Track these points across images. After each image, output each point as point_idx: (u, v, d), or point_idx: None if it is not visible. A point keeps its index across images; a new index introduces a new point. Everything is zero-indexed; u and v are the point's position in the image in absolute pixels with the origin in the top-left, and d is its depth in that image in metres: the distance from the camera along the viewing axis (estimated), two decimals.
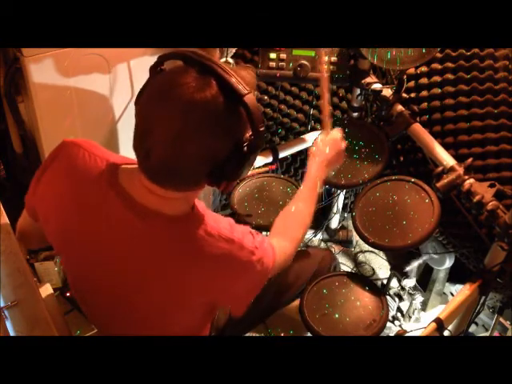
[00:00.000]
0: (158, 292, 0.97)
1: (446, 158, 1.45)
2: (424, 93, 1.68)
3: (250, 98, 0.83)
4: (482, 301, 1.41)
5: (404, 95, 1.64)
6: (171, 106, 0.82)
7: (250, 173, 1.76)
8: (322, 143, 1.34)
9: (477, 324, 1.87)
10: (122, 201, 0.92)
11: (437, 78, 1.65)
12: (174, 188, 0.89)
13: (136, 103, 0.90)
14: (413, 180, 1.48)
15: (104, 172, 0.94)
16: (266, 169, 1.79)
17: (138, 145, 0.87)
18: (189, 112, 0.81)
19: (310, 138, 1.87)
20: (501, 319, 1.70)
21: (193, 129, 0.82)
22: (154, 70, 0.90)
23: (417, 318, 1.95)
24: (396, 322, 1.95)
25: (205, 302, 1.02)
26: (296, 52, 1.67)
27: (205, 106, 0.81)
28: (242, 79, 0.84)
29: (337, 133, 1.38)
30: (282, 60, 1.68)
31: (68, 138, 1.01)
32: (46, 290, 1.25)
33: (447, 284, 1.99)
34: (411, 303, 1.93)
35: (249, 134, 0.87)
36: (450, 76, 1.63)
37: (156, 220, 0.91)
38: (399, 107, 1.60)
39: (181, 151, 0.83)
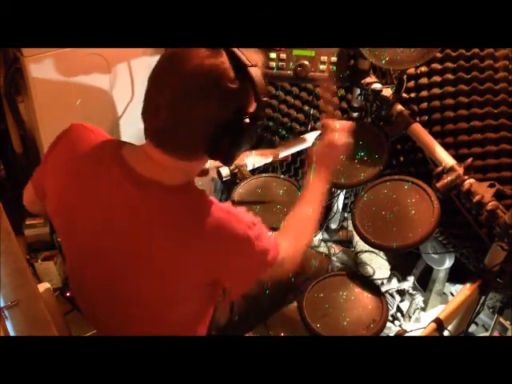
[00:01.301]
0: (156, 264, 0.96)
1: (446, 158, 1.45)
2: (424, 93, 1.68)
3: (255, 70, 0.89)
4: (482, 301, 1.41)
5: (404, 95, 1.64)
6: (181, 68, 0.87)
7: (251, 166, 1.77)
8: (317, 151, 1.24)
9: (477, 324, 1.87)
10: (123, 173, 0.94)
11: (437, 78, 1.65)
12: (175, 152, 0.91)
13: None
14: (413, 180, 1.48)
15: (108, 148, 0.98)
16: None
17: (147, 105, 0.92)
18: (196, 75, 0.86)
19: (310, 137, 1.87)
20: (501, 319, 1.70)
21: (198, 91, 0.86)
22: None
23: (417, 318, 1.95)
24: (396, 322, 1.95)
25: (201, 277, 1.00)
26: (296, 52, 1.67)
27: (212, 69, 0.86)
28: (250, 56, 0.91)
29: (333, 130, 1.25)
30: (282, 60, 1.68)
31: (76, 122, 1.05)
32: (46, 289, 1.25)
33: (447, 284, 1.99)
34: (411, 303, 1.93)
35: (252, 106, 0.92)
36: (449, 76, 1.63)
37: (153, 189, 0.93)
38: (399, 107, 1.60)
39: (184, 112, 0.87)
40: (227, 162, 0.96)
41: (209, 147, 0.91)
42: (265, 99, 0.92)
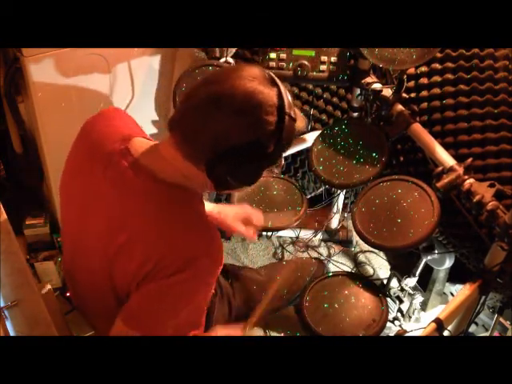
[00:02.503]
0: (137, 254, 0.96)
1: (446, 158, 1.45)
2: (424, 93, 1.68)
3: (291, 122, 0.91)
4: (482, 301, 1.41)
5: (404, 95, 1.64)
6: (235, 80, 0.88)
7: None
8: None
9: (477, 324, 1.87)
10: (126, 161, 0.96)
11: (437, 78, 1.65)
12: (181, 144, 0.92)
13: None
14: (413, 180, 1.48)
15: (122, 136, 1.00)
16: None
17: (187, 93, 0.94)
18: (243, 92, 0.87)
19: (310, 137, 1.87)
20: (501, 319, 1.70)
21: (236, 105, 0.87)
22: None
23: (417, 318, 1.95)
24: (396, 322, 1.95)
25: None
26: (296, 52, 1.67)
27: (259, 97, 0.87)
28: (296, 111, 0.93)
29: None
30: (282, 60, 1.68)
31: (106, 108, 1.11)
32: (46, 290, 1.25)
33: (447, 284, 1.99)
34: (411, 303, 1.93)
35: (270, 148, 0.91)
36: (449, 76, 1.63)
37: (151, 180, 0.95)
38: (399, 107, 1.60)
39: (211, 112, 0.88)
40: (218, 186, 0.95)
41: (210, 161, 0.90)
42: (283, 150, 0.93)
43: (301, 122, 0.96)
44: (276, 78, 0.92)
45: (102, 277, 1.01)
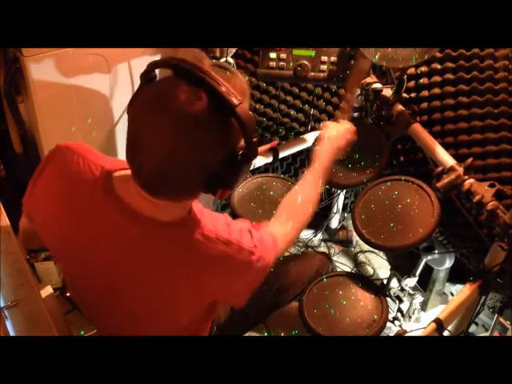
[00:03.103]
0: (156, 296, 0.98)
1: (446, 158, 1.45)
2: (424, 93, 1.68)
3: (242, 109, 0.81)
4: (482, 301, 1.41)
5: (404, 95, 1.64)
6: (162, 119, 0.81)
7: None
8: (334, 130, 1.34)
9: (477, 324, 1.87)
10: (117, 207, 0.91)
11: (437, 78, 1.65)
12: (168, 198, 0.89)
13: (128, 112, 0.88)
14: (413, 180, 1.48)
15: (98, 179, 0.94)
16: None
17: (130, 156, 0.87)
18: (179, 125, 0.80)
19: (310, 137, 1.87)
20: (501, 319, 1.70)
21: (184, 142, 0.81)
22: (144, 77, 0.88)
23: (417, 318, 1.95)
24: (396, 322, 1.95)
25: (204, 301, 1.03)
26: (296, 52, 1.67)
27: (195, 119, 0.80)
28: (234, 88, 0.82)
29: (350, 125, 1.39)
30: (282, 60, 1.68)
31: (62, 143, 1.01)
32: (46, 290, 1.25)
33: (447, 284, 1.99)
34: (411, 303, 1.93)
35: (242, 143, 0.86)
36: (450, 76, 1.63)
37: (150, 226, 0.91)
38: (399, 107, 1.60)
39: (173, 164, 0.83)
40: (222, 196, 0.92)
41: (204, 188, 0.88)
42: (254, 139, 0.85)
43: (244, 85, 0.88)
44: (197, 72, 0.79)
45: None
